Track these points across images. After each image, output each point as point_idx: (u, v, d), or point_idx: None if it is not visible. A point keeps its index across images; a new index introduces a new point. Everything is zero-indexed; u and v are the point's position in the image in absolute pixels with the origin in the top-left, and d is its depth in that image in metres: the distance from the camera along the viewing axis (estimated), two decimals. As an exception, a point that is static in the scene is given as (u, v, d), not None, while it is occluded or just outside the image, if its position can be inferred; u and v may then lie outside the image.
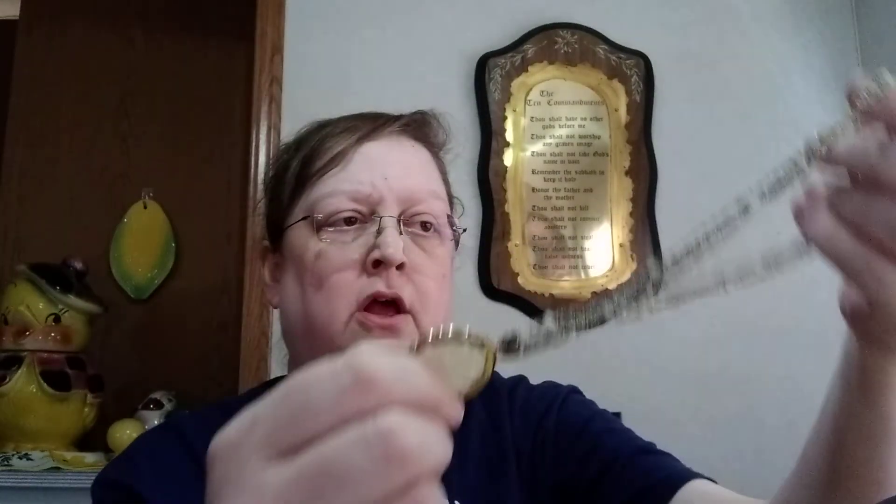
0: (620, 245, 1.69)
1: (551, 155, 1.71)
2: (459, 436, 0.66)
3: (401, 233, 0.65)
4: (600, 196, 1.71)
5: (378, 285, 0.63)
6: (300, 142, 0.72)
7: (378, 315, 0.63)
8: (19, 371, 1.55)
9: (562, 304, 1.65)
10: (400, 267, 0.63)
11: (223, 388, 1.85)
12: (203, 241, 2.08)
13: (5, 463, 1.48)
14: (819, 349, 1.71)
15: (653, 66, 1.77)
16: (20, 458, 1.49)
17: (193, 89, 2.15)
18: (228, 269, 2.04)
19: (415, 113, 0.74)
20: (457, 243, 0.73)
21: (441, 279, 0.68)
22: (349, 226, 0.65)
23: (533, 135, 1.72)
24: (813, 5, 1.89)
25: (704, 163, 1.76)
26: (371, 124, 0.70)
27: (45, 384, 1.55)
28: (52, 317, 1.60)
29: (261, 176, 1.63)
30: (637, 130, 1.74)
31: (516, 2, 1.78)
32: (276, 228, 0.71)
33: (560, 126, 1.73)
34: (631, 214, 1.70)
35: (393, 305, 0.63)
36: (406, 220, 0.66)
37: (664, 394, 1.64)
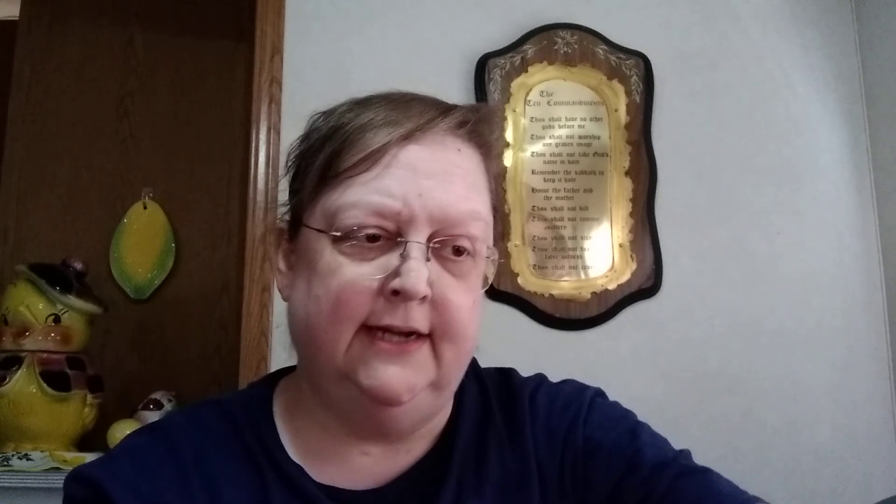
0: (620, 245, 1.69)
1: (551, 155, 1.71)
2: (477, 457, 0.64)
3: (428, 259, 0.57)
4: (600, 196, 1.71)
5: (394, 318, 0.56)
6: (333, 127, 0.63)
7: (389, 343, 0.57)
8: (19, 371, 1.54)
9: (561, 304, 1.65)
10: (423, 300, 0.57)
11: (223, 388, 1.85)
12: (203, 241, 2.08)
13: (5, 463, 1.48)
14: (819, 349, 1.71)
15: (652, 67, 1.77)
16: (20, 458, 1.49)
17: (193, 89, 2.15)
18: (228, 269, 2.04)
19: (469, 108, 0.64)
20: (494, 263, 0.65)
21: (471, 306, 0.60)
22: (372, 242, 0.57)
23: (533, 135, 1.72)
24: (813, 5, 1.89)
25: (704, 163, 1.76)
26: (416, 120, 0.60)
27: (45, 384, 1.54)
28: (52, 317, 1.60)
29: (261, 176, 1.63)
30: (637, 131, 1.74)
31: (516, 2, 1.78)
32: (296, 217, 0.64)
33: (560, 126, 1.73)
34: (631, 214, 1.70)
35: (407, 333, 0.57)
36: (437, 243, 0.58)
37: (664, 394, 1.64)
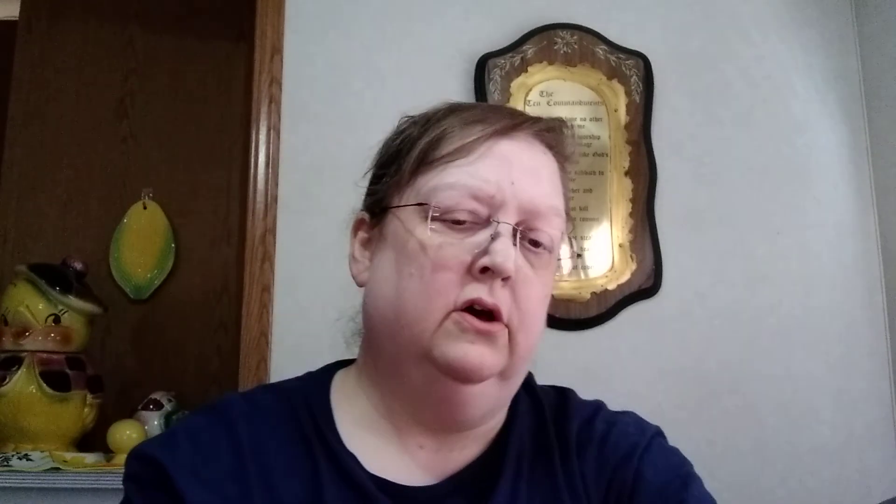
0: (620, 245, 1.69)
1: (551, 155, 1.71)
2: (529, 466, 0.65)
3: (515, 244, 0.61)
4: (600, 196, 1.71)
5: (480, 292, 0.59)
6: (429, 120, 0.67)
7: (477, 321, 0.59)
8: (19, 371, 1.54)
9: (561, 304, 1.65)
10: (505, 279, 0.60)
11: (223, 389, 1.85)
12: (203, 241, 2.08)
13: (5, 463, 1.48)
14: (819, 349, 1.71)
15: (652, 67, 1.77)
16: (20, 458, 1.49)
17: (193, 89, 2.15)
18: (228, 269, 2.04)
19: (552, 119, 0.69)
20: (563, 265, 0.70)
21: (543, 300, 0.65)
22: (464, 223, 0.61)
23: (533, 135, 1.72)
24: (813, 5, 1.89)
25: (704, 163, 1.76)
26: (508, 120, 0.65)
27: (44, 385, 1.54)
28: (52, 317, 1.60)
29: (261, 176, 1.63)
30: (637, 131, 1.74)
31: (516, 2, 1.78)
32: (380, 204, 0.67)
33: (560, 126, 1.73)
34: (631, 214, 1.70)
35: (490, 315, 0.60)
36: (522, 232, 0.62)
37: (664, 394, 1.64)
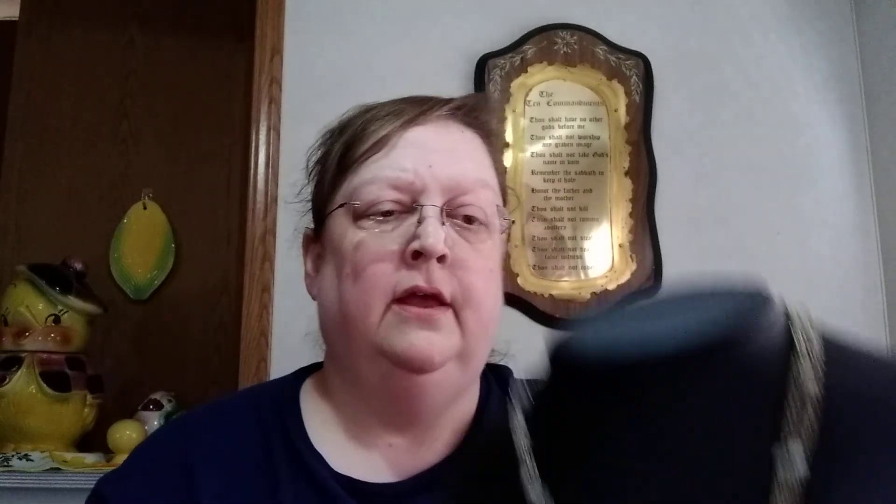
0: (620, 245, 1.69)
1: (551, 156, 1.71)
2: None
3: (443, 223, 0.61)
4: (600, 197, 1.71)
5: (417, 279, 0.59)
6: (344, 126, 0.69)
7: (417, 308, 0.59)
8: (19, 372, 1.54)
9: (561, 305, 1.65)
10: (441, 259, 0.60)
11: (223, 389, 1.85)
12: (203, 241, 2.08)
13: (5, 464, 1.48)
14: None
15: (652, 67, 1.77)
16: (20, 458, 1.49)
17: (193, 89, 2.15)
18: (228, 269, 2.04)
19: (466, 96, 0.69)
20: (508, 235, 0.69)
21: (487, 274, 0.63)
22: (390, 215, 0.62)
23: (532, 135, 1.72)
24: (813, 5, 1.89)
25: (704, 163, 1.76)
26: (418, 108, 0.66)
27: (44, 385, 1.54)
28: (52, 317, 1.60)
29: (261, 176, 1.63)
30: (636, 131, 1.74)
31: (516, 2, 1.78)
32: (319, 216, 0.69)
33: (559, 127, 1.73)
34: (630, 215, 1.70)
35: (433, 299, 0.60)
36: (450, 210, 0.62)
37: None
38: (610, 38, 1.77)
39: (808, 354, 0.34)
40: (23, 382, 1.54)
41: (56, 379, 1.56)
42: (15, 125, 2.10)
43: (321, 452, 0.63)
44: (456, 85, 1.71)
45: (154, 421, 1.63)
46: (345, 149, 0.66)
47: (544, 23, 1.76)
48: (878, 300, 1.77)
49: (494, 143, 0.70)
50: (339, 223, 0.64)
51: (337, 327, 0.63)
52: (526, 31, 1.75)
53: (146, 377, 1.93)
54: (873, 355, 0.37)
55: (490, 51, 1.73)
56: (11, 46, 2.14)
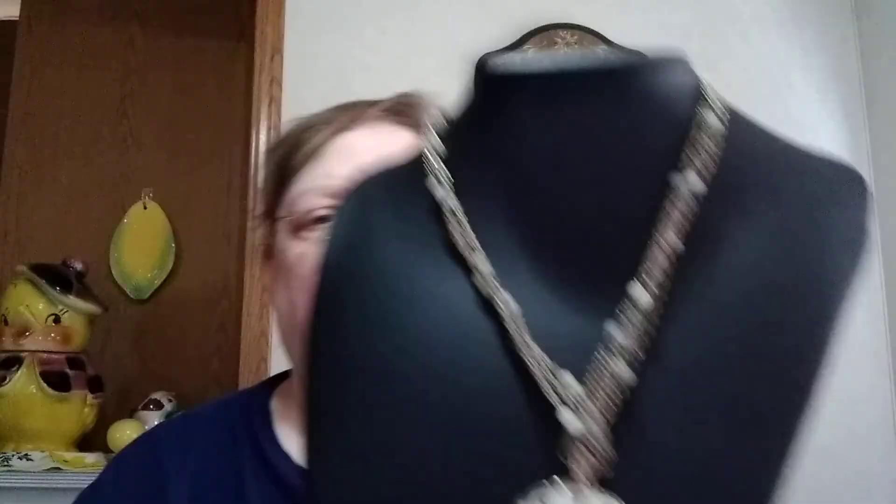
0: (620, 245, 1.69)
1: (551, 155, 1.71)
2: None
3: None
4: (600, 196, 1.71)
5: None
6: (279, 142, 0.70)
7: None
8: (19, 371, 1.54)
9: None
10: None
11: (223, 389, 1.85)
12: (203, 241, 2.08)
13: (5, 463, 1.48)
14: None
15: (653, 67, 1.77)
16: (20, 458, 1.49)
17: (193, 89, 2.15)
18: (228, 269, 2.04)
19: (398, 95, 0.69)
20: None
21: None
22: (326, 223, 0.62)
23: (533, 135, 1.72)
24: (813, 5, 1.89)
25: (704, 163, 1.76)
26: (348, 114, 0.66)
27: (45, 385, 1.54)
28: (52, 317, 1.60)
29: (261, 176, 1.63)
30: (637, 130, 1.73)
31: (516, 2, 1.78)
32: (268, 232, 0.69)
33: (560, 126, 1.73)
34: (631, 215, 1.70)
35: None
36: None
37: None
38: (610, 37, 1.77)
39: (715, 103, 0.39)
40: (23, 382, 1.54)
41: (56, 379, 1.57)
42: (15, 125, 2.10)
43: (288, 451, 0.64)
44: (456, 85, 1.70)
45: (154, 421, 1.63)
46: (281, 163, 0.66)
47: (544, 22, 1.76)
48: (878, 300, 1.77)
49: None
50: (282, 238, 0.64)
51: (290, 339, 0.64)
52: (526, 31, 1.75)
53: (146, 377, 1.93)
54: (771, 131, 0.42)
55: (490, 50, 1.72)
56: (11, 46, 2.14)
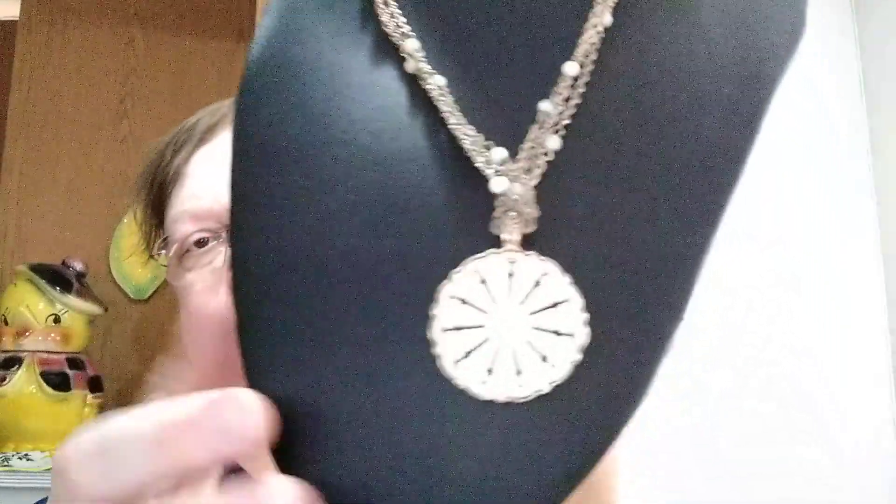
0: (620, 245, 1.69)
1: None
2: None
3: None
4: (600, 196, 1.71)
5: None
6: (154, 163, 0.65)
7: None
8: (19, 372, 1.55)
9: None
10: None
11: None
12: (203, 241, 2.08)
13: (5, 463, 1.48)
14: (817, 346, 1.71)
15: (653, 67, 1.77)
16: (20, 458, 1.49)
17: (193, 90, 2.15)
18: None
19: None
20: None
21: None
22: (202, 247, 0.57)
23: (533, 135, 1.72)
24: (813, 6, 1.87)
25: (704, 163, 1.76)
26: (206, 123, 0.63)
27: (45, 385, 1.55)
28: (52, 317, 1.61)
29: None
30: (637, 130, 1.73)
31: None
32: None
33: (560, 126, 1.73)
34: (631, 214, 1.70)
35: None
36: None
37: (662, 396, 1.64)
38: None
39: None
40: (23, 382, 1.55)
41: (56, 379, 1.57)
42: (15, 125, 2.10)
43: None
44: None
45: (154, 421, 1.63)
46: (159, 188, 0.62)
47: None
48: (878, 300, 1.77)
49: None
50: (170, 270, 0.60)
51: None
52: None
53: (146, 377, 1.93)
54: None
55: None
56: (11, 46, 2.14)
